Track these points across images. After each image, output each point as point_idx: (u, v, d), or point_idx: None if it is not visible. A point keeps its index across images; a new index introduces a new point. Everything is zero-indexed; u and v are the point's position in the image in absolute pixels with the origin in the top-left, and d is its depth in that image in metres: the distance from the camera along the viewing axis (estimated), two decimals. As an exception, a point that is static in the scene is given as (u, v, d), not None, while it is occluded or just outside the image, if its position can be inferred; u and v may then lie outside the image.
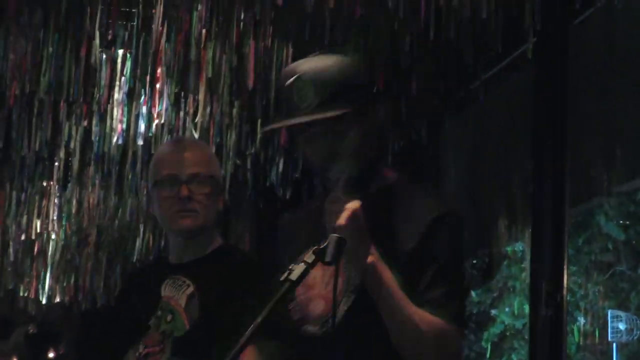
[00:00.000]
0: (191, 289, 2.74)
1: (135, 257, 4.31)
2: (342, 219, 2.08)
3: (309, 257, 2.02)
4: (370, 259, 2.13)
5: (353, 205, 2.11)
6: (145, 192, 4.51)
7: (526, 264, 4.16)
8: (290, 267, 2.02)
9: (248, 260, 2.91)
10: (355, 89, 2.25)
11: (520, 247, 4.25)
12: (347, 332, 2.18)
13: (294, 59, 3.90)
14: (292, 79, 2.22)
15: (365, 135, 2.25)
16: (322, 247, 2.03)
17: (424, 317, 2.16)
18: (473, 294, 4.47)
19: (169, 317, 2.76)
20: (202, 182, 2.78)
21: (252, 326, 1.99)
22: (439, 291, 2.18)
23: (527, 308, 4.27)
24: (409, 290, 2.15)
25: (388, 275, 2.15)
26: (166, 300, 2.76)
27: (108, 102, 4.24)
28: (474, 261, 4.47)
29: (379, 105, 2.31)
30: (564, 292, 3.88)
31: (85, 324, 4.81)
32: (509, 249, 4.39)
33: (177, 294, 2.76)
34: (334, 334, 2.17)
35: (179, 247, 2.83)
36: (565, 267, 3.89)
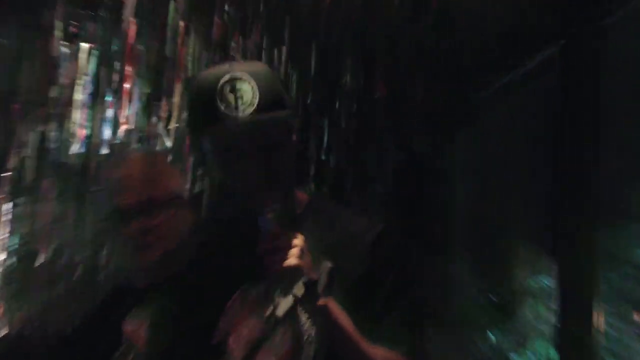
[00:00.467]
0: None
1: (100, 282, 4.25)
2: (293, 259, 2.08)
3: (299, 289, 2.02)
4: (321, 300, 2.12)
5: (299, 241, 2.12)
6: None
7: (553, 302, 4.03)
8: (276, 300, 2.03)
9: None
10: (286, 96, 2.35)
11: (547, 281, 4.14)
12: None
13: (287, 58, 4.10)
14: (227, 78, 2.25)
15: (294, 154, 2.32)
16: (313, 278, 2.04)
17: (385, 357, 2.20)
18: (491, 336, 4.74)
19: (130, 356, 2.71)
20: (157, 207, 2.78)
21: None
22: (392, 321, 2.23)
23: (553, 353, 4.13)
24: (359, 323, 2.18)
25: (342, 316, 2.16)
26: (128, 335, 2.71)
27: (69, 104, 4.21)
28: (492, 297, 4.50)
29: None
30: (596, 335, 3.86)
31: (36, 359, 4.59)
32: (533, 283, 4.26)
33: (140, 328, 2.66)
34: None
35: (144, 269, 2.84)
36: (596, 306, 3.87)
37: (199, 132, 2.30)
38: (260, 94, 2.25)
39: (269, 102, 2.26)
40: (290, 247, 2.12)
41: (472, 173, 4.78)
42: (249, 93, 2.25)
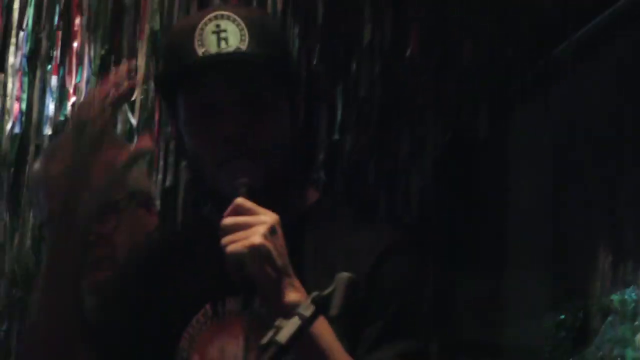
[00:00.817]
0: None
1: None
2: (256, 236, 2.07)
3: (306, 308, 1.98)
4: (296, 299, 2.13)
5: (270, 218, 2.12)
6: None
7: (641, 322, 4.08)
8: (276, 323, 1.97)
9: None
10: (289, 49, 2.49)
11: (633, 295, 4.13)
12: None
13: (286, 10, 3.97)
14: (210, 15, 2.28)
15: (292, 119, 2.33)
16: (325, 293, 2.00)
17: None
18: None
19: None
20: (111, 209, 2.73)
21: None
22: (392, 352, 2.24)
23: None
24: (352, 349, 2.21)
25: (325, 330, 2.16)
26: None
27: (-1, 70, 4.11)
28: (562, 317, 4.35)
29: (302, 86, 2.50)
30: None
31: None
32: (615, 297, 4.22)
33: None
34: None
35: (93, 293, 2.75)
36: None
37: (169, 85, 2.31)
38: (250, 38, 2.26)
39: (262, 49, 2.26)
40: (256, 223, 2.08)
41: (539, 160, 4.64)
42: (235, 35, 2.25)
